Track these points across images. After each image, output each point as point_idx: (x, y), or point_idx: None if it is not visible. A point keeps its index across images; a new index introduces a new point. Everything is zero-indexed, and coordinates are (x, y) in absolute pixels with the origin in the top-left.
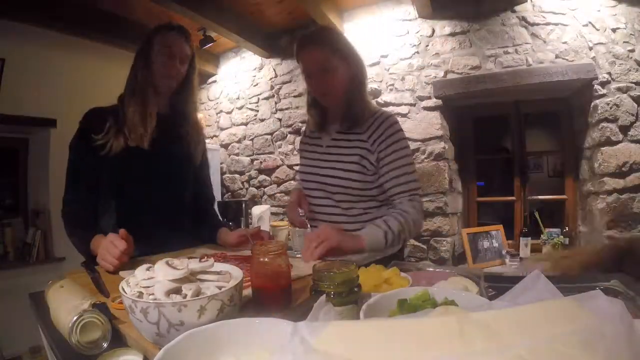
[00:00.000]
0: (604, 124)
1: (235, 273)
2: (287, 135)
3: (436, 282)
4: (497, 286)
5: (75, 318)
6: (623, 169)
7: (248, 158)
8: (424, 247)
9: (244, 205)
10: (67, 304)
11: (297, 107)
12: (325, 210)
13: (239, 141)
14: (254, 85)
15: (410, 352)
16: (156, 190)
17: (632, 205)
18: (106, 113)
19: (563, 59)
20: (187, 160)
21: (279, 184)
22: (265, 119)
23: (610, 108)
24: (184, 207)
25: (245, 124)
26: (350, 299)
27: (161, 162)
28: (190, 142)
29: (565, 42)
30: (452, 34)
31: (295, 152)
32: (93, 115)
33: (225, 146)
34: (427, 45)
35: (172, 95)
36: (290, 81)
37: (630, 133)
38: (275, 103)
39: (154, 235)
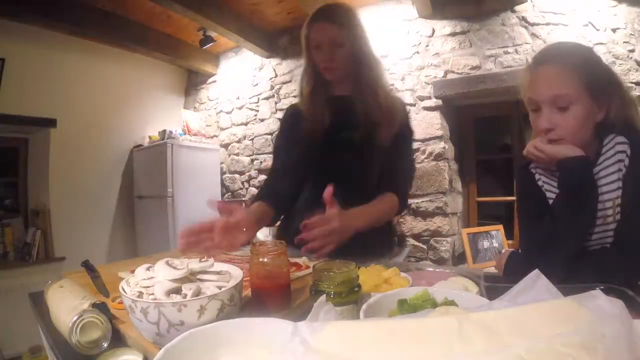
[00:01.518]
0: None
1: (235, 273)
2: None
3: (436, 282)
4: (497, 286)
5: (75, 318)
6: None
7: (248, 158)
8: (424, 247)
9: (244, 206)
10: (67, 304)
11: None
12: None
13: (239, 141)
14: (254, 85)
15: (410, 352)
16: None
17: None
18: None
19: None
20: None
21: None
22: (265, 119)
23: None
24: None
25: (245, 124)
26: (350, 299)
27: None
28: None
29: None
30: (452, 34)
31: None
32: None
33: (225, 146)
34: (427, 45)
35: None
36: (290, 81)
37: None
38: (275, 103)
39: None
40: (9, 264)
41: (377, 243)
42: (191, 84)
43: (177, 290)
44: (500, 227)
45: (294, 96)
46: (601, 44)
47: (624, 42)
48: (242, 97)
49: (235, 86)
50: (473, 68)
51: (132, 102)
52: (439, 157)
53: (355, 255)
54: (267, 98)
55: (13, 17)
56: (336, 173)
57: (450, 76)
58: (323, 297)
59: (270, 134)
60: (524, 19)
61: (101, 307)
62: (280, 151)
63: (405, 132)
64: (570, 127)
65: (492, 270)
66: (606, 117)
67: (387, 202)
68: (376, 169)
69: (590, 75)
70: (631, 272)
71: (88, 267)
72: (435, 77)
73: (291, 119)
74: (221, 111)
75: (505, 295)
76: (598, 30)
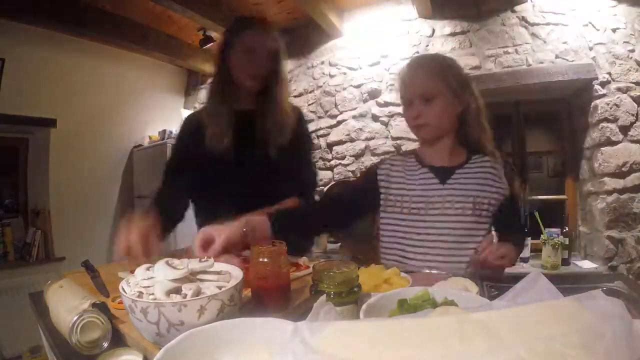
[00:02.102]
0: (604, 124)
1: (235, 273)
2: None
3: (436, 282)
4: (497, 286)
5: (75, 318)
6: (623, 169)
7: None
8: None
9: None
10: (67, 304)
11: None
12: None
13: None
14: None
15: (410, 352)
16: None
17: (632, 205)
18: None
19: (563, 59)
20: None
21: None
22: None
23: (610, 108)
24: None
25: None
26: (350, 298)
27: None
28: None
29: (565, 42)
30: (452, 34)
31: None
32: None
33: None
34: (427, 45)
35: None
36: (290, 81)
37: (630, 133)
38: None
39: None
40: (9, 264)
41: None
42: (191, 84)
43: (177, 291)
44: None
45: (294, 96)
46: (601, 44)
47: (624, 42)
48: None
49: None
50: (473, 68)
51: (132, 102)
52: None
53: None
54: None
55: (13, 17)
56: (244, 191)
57: None
58: (323, 297)
59: None
60: (524, 19)
61: (101, 307)
62: (176, 157)
63: (303, 138)
64: (434, 114)
65: None
66: (466, 110)
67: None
68: (282, 183)
69: (448, 76)
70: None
71: (88, 267)
72: None
73: (190, 129)
74: None
75: (505, 295)
76: (598, 30)
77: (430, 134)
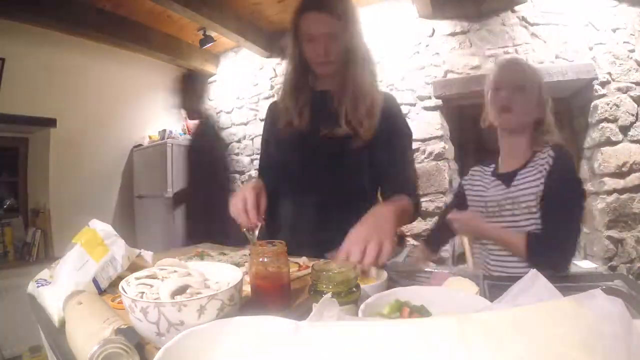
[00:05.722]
0: (604, 124)
1: (235, 273)
2: None
3: (437, 281)
4: (497, 285)
5: (95, 348)
6: (623, 169)
7: (248, 158)
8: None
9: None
10: (86, 328)
11: None
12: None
13: (238, 141)
14: (254, 85)
15: (410, 352)
16: None
17: (632, 205)
18: None
19: (563, 59)
20: None
21: None
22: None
23: (610, 108)
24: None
25: (245, 124)
26: (349, 299)
27: None
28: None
29: (565, 42)
30: (452, 34)
31: None
32: None
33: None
34: (427, 45)
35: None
36: None
37: (630, 133)
38: None
39: None
40: (9, 264)
41: None
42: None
43: (182, 291)
44: None
45: None
46: (601, 44)
47: (624, 42)
48: (242, 97)
49: (235, 86)
50: (473, 68)
51: (132, 102)
52: (439, 157)
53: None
54: (267, 98)
55: (13, 17)
56: (318, 174)
57: (450, 76)
58: (327, 296)
59: None
60: (524, 19)
61: (127, 333)
62: (262, 152)
63: (400, 130)
64: (520, 102)
65: None
66: (540, 119)
67: (403, 203)
68: (362, 169)
69: (536, 81)
70: (549, 252)
71: None
72: (435, 77)
73: (270, 117)
74: (221, 111)
75: (504, 295)
76: (598, 30)
77: (512, 123)
